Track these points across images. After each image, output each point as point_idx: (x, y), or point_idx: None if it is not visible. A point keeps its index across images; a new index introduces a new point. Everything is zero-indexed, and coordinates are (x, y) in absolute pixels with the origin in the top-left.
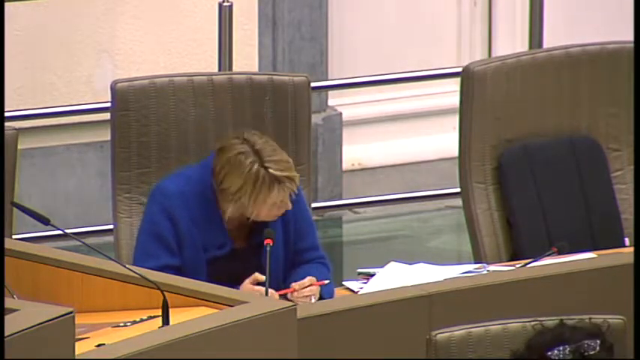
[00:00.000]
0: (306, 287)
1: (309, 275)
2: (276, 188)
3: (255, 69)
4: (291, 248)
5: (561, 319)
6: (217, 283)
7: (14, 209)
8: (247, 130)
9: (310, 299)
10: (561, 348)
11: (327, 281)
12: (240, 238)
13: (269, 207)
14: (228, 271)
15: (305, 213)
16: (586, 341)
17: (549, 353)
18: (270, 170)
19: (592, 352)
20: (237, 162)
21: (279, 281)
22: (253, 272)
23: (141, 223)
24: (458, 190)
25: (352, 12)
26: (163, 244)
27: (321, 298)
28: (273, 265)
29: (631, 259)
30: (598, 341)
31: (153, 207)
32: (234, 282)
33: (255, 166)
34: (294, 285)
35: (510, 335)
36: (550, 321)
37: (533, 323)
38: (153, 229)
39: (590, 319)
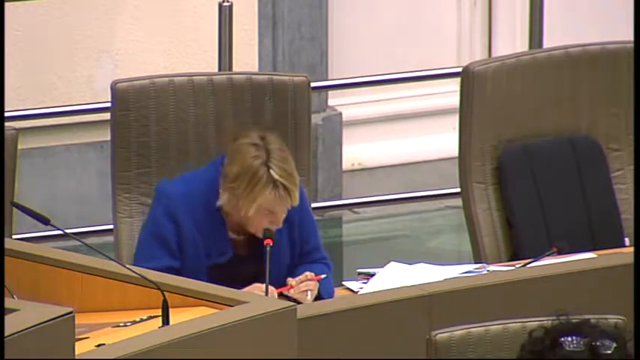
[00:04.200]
0: (303, 283)
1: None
2: (270, 190)
3: (255, 69)
4: (297, 252)
5: (586, 318)
6: None
7: (14, 209)
8: (273, 132)
9: (307, 294)
10: (576, 338)
11: (323, 275)
12: (243, 245)
13: (257, 209)
14: (230, 277)
15: (308, 215)
16: (602, 340)
17: (563, 339)
18: (271, 171)
19: (605, 352)
20: (244, 151)
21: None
22: (255, 278)
23: (144, 223)
24: (458, 190)
25: (352, 12)
26: (165, 246)
27: (320, 297)
28: (277, 270)
29: (631, 259)
30: (614, 344)
31: (157, 208)
32: (236, 288)
33: (258, 161)
34: (291, 281)
35: (510, 335)
36: (575, 318)
37: (558, 315)
38: (156, 231)
39: (616, 325)
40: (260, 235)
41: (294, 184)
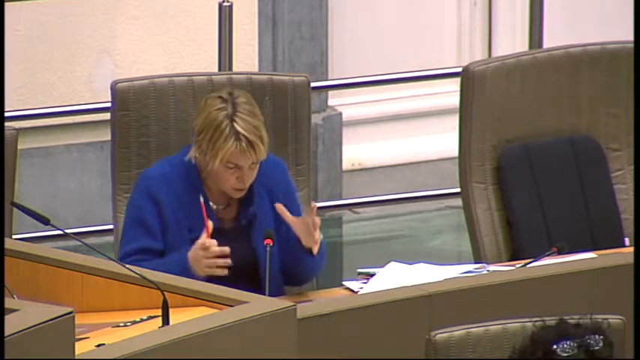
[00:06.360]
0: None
1: None
2: (232, 142)
3: (255, 69)
4: (284, 237)
5: (562, 317)
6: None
7: (14, 209)
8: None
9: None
10: (567, 343)
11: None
12: (227, 218)
13: (221, 162)
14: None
15: (292, 199)
16: (589, 336)
17: (555, 347)
18: (235, 124)
19: (596, 348)
20: (211, 104)
21: (277, 279)
22: (240, 253)
23: (125, 213)
24: (458, 190)
25: (352, 12)
26: (144, 228)
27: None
28: (262, 245)
29: (631, 259)
30: (601, 337)
31: (135, 193)
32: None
33: (222, 114)
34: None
35: (510, 335)
36: (551, 319)
37: (534, 320)
38: (135, 215)
39: (590, 317)
40: (231, 193)
41: (259, 138)
